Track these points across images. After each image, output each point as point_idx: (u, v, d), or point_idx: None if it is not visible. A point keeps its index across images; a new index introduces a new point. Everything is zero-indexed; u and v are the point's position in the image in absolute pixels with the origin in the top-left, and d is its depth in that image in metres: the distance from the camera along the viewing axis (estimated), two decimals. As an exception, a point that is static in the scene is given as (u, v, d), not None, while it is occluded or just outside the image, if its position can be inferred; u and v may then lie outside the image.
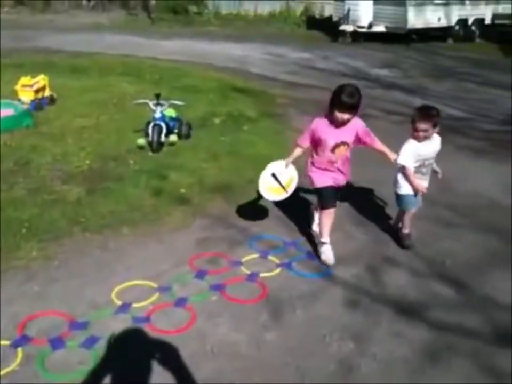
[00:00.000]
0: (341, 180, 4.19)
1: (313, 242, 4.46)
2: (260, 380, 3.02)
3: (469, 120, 8.55)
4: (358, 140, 4.11)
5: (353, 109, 3.86)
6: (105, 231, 4.47)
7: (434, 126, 4.13)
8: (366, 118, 7.87)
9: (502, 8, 19.06)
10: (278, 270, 4.09)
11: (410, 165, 4.19)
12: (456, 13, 17.57)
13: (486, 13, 18.61)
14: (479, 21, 18.41)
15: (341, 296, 3.81)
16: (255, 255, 4.26)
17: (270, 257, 4.25)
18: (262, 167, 5.93)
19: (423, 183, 4.31)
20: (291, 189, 4.38)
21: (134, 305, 3.58)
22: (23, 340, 3.19)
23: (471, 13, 18.02)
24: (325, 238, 4.23)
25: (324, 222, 4.19)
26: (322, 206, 4.18)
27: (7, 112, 6.81)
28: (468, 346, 3.38)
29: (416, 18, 16.66)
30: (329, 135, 3.98)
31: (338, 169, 4.13)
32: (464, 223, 4.86)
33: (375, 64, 13.08)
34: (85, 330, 3.32)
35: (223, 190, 5.41)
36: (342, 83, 3.96)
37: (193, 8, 23.57)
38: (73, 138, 6.65)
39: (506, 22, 19.28)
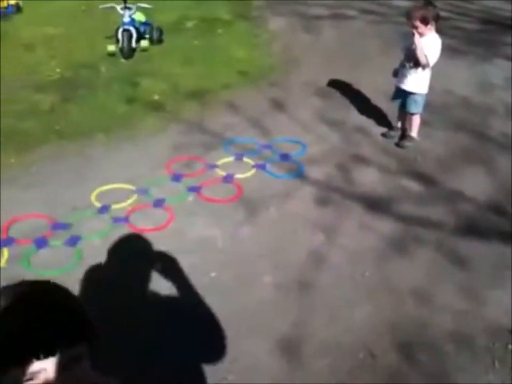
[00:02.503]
0: None
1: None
2: (235, 271, 3.21)
3: (449, 19, 8.39)
4: None
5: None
6: (81, 138, 4.48)
7: (425, 23, 4.11)
8: (342, 19, 7.88)
9: None
10: (252, 171, 4.18)
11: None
12: None
13: None
14: None
15: (312, 194, 3.95)
16: (230, 158, 4.34)
17: (244, 159, 4.33)
18: (237, 71, 5.93)
19: (402, 78, 4.41)
20: None
21: (114, 206, 3.70)
22: (7, 241, 3.30)
23: None
24: None
25: None
26: None
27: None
28: (433, 236, 3.58)
29: None
30: None
31: None
32: (437, 120, 4.93)
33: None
34: (67, 230, 3.45)
35: (198, 95, 5.37)
36: None
37: None
38: (43, 47, 6.43)
39: None
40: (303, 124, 4.81)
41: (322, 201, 3.85)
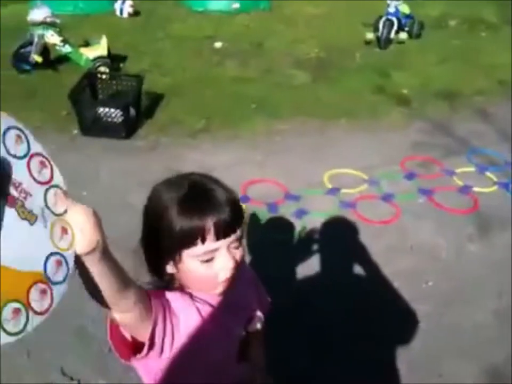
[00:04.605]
0: None
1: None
2: (455, 286, 3.04)
3: None
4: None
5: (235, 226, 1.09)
6: (325, 118, 4.63)
7: None
8: None
9: None
10: (494, 188, 3.88)
11: None
12: None
13: None
14: None
15: (560, 227, 3.52)
16: (471, 168, 4.09)
17: (487, 173, 4.04)
18: (496, 78, 5.52)
19: None
20: None
21: (343, 190, 3.77)
22: (243, 199, 3.59)
23: None
24: None
25: None
26: None
27: (247, -8, 7.17)
28: None
29: None
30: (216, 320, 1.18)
31: None
32: None
33: None
34: (297, 202, 3.62)
35: (448, 96, 5.13)
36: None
37: None
38: (305, 25, 6.78)
39: None
40: None
41: None
